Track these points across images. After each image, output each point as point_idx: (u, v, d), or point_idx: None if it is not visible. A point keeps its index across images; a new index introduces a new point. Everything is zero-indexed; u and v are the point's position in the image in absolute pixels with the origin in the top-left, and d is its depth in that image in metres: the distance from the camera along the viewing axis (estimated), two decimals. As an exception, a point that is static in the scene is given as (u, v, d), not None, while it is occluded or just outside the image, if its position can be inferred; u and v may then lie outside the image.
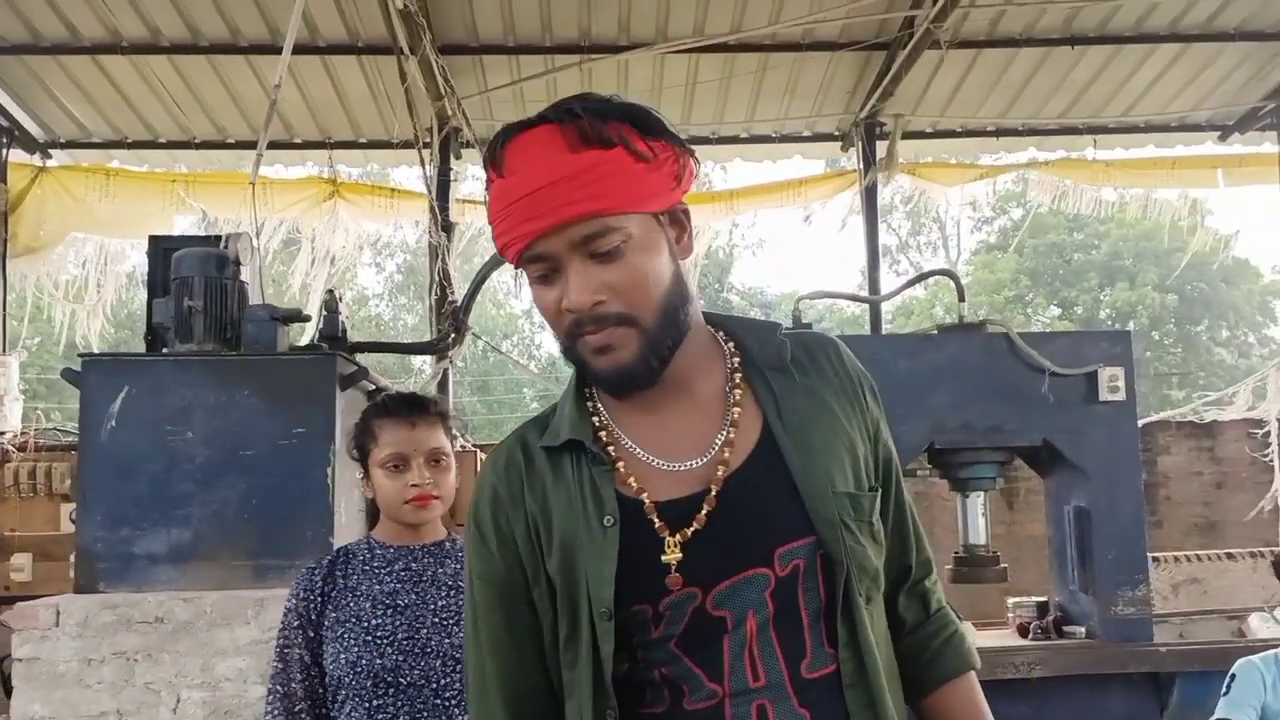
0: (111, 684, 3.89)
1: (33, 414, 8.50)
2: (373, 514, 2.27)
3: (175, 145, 8.25)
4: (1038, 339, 4.76)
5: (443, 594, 2.10)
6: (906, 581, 1.37)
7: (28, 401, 11.49)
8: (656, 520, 1.19)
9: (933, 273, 9.99)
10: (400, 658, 2.01)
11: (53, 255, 8.35)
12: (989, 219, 27.03)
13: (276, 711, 2.04)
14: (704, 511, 1.18)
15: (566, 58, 7.25)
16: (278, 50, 5.28)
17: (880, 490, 1.30)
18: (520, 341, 28.28)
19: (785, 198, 8.70)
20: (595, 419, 1.26)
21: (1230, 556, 7.26)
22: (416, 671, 2.01)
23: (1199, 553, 7.45)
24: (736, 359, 1.28)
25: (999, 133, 8.52)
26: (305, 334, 5.59)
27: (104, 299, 8.42)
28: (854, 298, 7.86)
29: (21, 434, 7.50)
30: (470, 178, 8.16)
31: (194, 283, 4.58)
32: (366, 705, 2.00)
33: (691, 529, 1.18)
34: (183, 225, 9.24)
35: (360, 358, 4.90)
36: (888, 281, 7.86)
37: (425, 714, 2.01)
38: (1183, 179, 8.81)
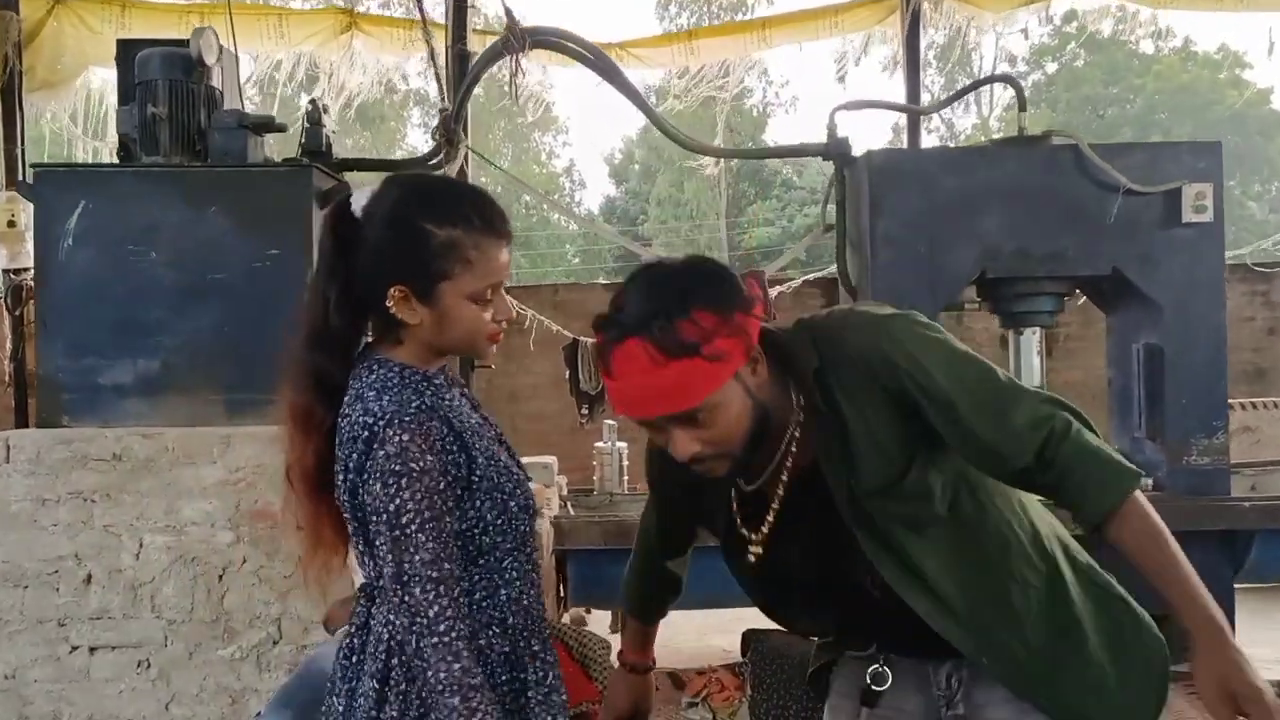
0: (68, 526, 3.30)
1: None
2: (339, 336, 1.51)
3: (190, -29, 7.35)
4: (1112, 151, 3.90)
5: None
6: None
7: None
8: None
9: (990, 79, 8.89)
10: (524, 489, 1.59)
11: (71, 89, 7.62)
12: (1023, 74, 25.37)
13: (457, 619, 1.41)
14: None
15: None
16: None
17: None
18: (561, 200, 27.38)
19: (820, 28, 7.69)
20: None
21: (1281, 405, 6.51)
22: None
23: (1252, 400, 6.61)
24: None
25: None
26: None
27: (123, 134, 7.70)
28: (896, 107, 6.85)
29: (37, 270, 6.89)
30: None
31: (157, 87, 3.82)
32: (526, 551, 1.56)
33: None
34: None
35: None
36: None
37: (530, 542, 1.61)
38: (1253, 2, 7.62)
